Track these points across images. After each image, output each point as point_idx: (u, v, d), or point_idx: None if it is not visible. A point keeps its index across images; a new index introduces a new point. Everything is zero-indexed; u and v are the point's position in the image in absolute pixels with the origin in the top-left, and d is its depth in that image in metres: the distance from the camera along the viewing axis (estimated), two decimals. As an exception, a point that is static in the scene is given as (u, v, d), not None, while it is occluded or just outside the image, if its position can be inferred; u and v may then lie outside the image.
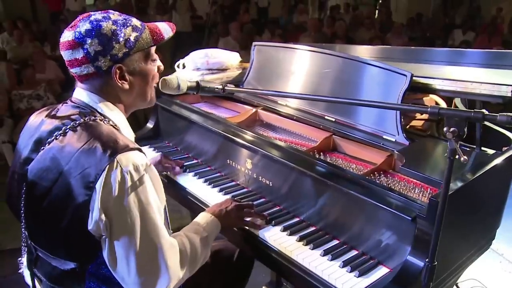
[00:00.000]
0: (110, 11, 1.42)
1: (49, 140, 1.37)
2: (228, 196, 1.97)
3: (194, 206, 2.06)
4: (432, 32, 9.37)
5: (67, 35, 1.36)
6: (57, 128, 1.38)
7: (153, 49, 1.47)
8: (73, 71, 1.39)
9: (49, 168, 1.33)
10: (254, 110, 2.40)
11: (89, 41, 1.32)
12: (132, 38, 1.38)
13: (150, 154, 2.37)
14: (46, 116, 1.46)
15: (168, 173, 2.23)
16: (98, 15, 1.37)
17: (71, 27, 1.36)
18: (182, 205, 2.30)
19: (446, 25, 10.13)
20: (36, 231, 1.44)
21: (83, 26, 1.34)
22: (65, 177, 1.28)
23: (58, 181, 1.30)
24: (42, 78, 5.72)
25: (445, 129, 1.15)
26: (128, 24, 1.39)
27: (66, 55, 1.37)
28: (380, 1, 12.85)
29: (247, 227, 1.77)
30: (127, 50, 1.37)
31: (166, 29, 1.48)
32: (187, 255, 1.45)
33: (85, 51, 1.33)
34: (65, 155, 1.31)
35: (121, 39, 1.35)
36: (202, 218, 1.65)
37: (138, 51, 1.41)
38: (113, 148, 1.28)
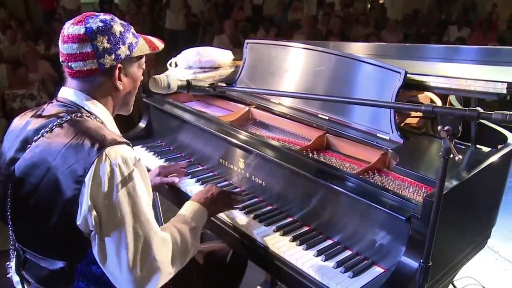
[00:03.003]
0: (111, 15, 1.47)
1: (35, 138, 1.37)
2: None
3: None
4: (427, 28, 9.36)
5: (76, 29, 1.36)
6: (44, 126, 1.38)
7: (144, 59, 1.54)
8: (74, 65, 1.38)
9: (36, 164, 1.32)
10: (247, 108, 2.37)
11: (100, 38, 1.36)
12: (133, 43, 1.45)
13: (149, 163, 2.31)
14: (32, 116, 1.46)
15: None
16: (105, 16, 1.42)
17: (78, 22, 1.37)
18: (174, 204, 2.28)
19: (442, 22, 10.11)
20: (24, 231, 1.43)
21: (95, 23, 1.37)
22: (53, 173, 1.27)
23: (45, 177, 1.29)
24: (35, 78, 5.67)
25: (439, 127, 1.13)
26: (130, 30, 1.46)
27: (70, 48, 1.37)
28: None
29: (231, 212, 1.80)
30: (129, 53, 1.43)
31: (157, 42, 1.56)
32: (178, 248, 1.45)
33: (94, 47, 1.36)
34: (53, 151, 1.30)
35: (126, 41, 1.42)
36: (189, 207, 1.64)
37: (137, 56, 1.47)
38: (101, 142, 1.28)
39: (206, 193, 1.72)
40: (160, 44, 1.56)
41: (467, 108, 1.11)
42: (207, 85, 1.65)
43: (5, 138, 1.49)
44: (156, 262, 1.34)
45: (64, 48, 1.38)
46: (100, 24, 1.37)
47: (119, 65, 1.42)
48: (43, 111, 1.46)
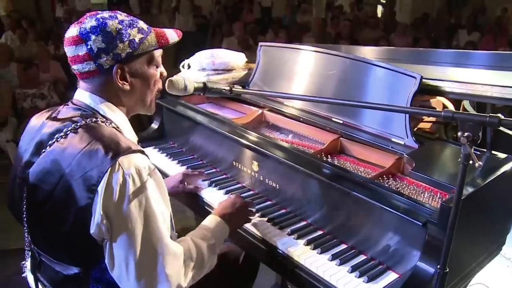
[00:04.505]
0: (118, 11, 1.42)
1: (50, 142, 1.36)
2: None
3: (198, 207, 2.04)
4: (436, 32, 9.31)
5: (72, 31, 1.35)
6: (58, 130, 1.36)
7: (158, 54, 1.47)
8: (74, 67, 1.38)
9: (50, 171, 1.31)
10: (260, 111, 2.38)
11: (93, 37, 1.31)
12: (137, 39, 1.37)
13: (170, 170, 2.28)
14: (47, 118, 1.45)
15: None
16: (105, 14, 1.37)
17: (77, 23, 1.36)
18: (187, 206, 2.29)
19: (451, 25, 10.06)
20: (39, 235, 1.43)
21: (89, 22, 1.34)
22: (67, 180, 1.26)
23: (59, 184, 1.28)
24: (46, 78, 5.71)
25: (459, 133, 1.12)
26: (134, 26, 1.38)
27: (69, 51, 1.36)
28: (384, 1, 12.74)
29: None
30: (130, 50, 1.36)
31: (171, 34, 1.47)
32: (192, 262, 1.41)
33: (88, 48, 1.32)
34: (66, 158, 1.29)
35: (125, 38, 1.35)
36: (210, 222, 1.60)
37: (142, 53, 1.40)
38: (115, 150, 1.26)
39: (232, 206, 1.68)
40: (172, 37, 1.46)
41: (488, 115, 1.11)
42: (223, 87, 1.65)
43: (22, 137, 1.49)
44: (164, 275, 1.30)
45: (66, 50, 1.38)
46: (94, 23, 1.33)
47: (119, 64, 1.36)
48: (58, 113, 1.44)
